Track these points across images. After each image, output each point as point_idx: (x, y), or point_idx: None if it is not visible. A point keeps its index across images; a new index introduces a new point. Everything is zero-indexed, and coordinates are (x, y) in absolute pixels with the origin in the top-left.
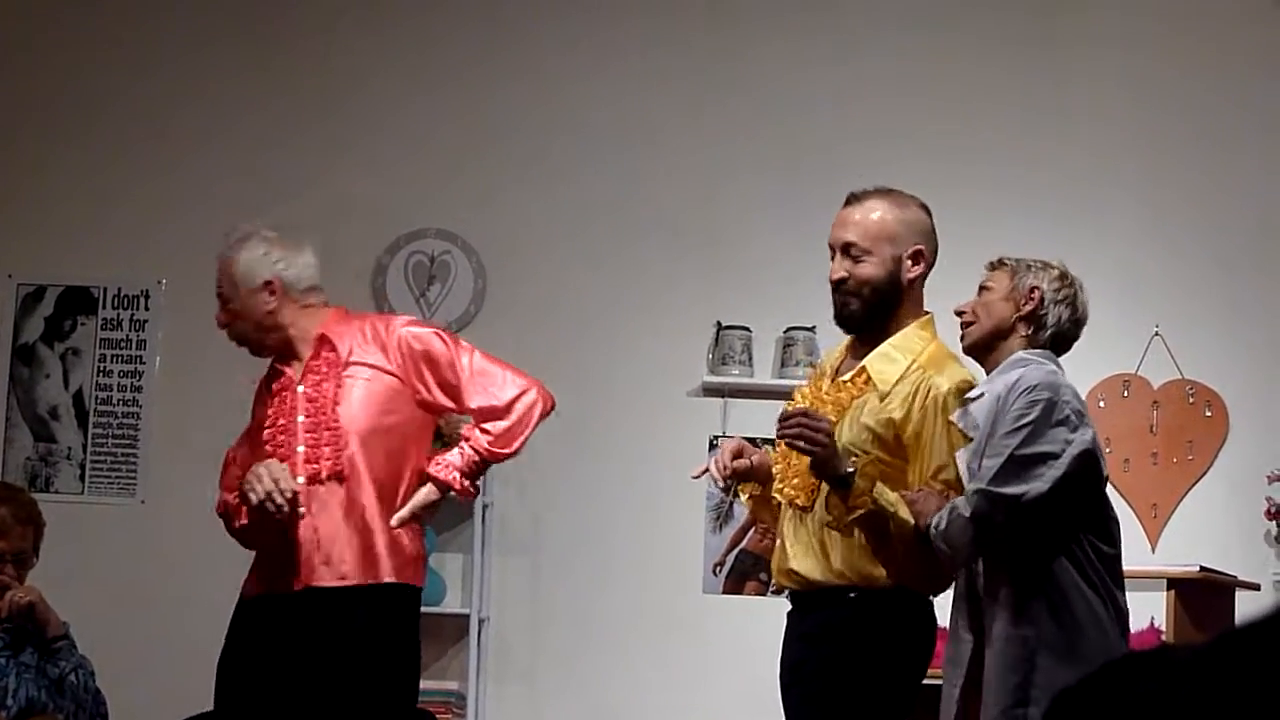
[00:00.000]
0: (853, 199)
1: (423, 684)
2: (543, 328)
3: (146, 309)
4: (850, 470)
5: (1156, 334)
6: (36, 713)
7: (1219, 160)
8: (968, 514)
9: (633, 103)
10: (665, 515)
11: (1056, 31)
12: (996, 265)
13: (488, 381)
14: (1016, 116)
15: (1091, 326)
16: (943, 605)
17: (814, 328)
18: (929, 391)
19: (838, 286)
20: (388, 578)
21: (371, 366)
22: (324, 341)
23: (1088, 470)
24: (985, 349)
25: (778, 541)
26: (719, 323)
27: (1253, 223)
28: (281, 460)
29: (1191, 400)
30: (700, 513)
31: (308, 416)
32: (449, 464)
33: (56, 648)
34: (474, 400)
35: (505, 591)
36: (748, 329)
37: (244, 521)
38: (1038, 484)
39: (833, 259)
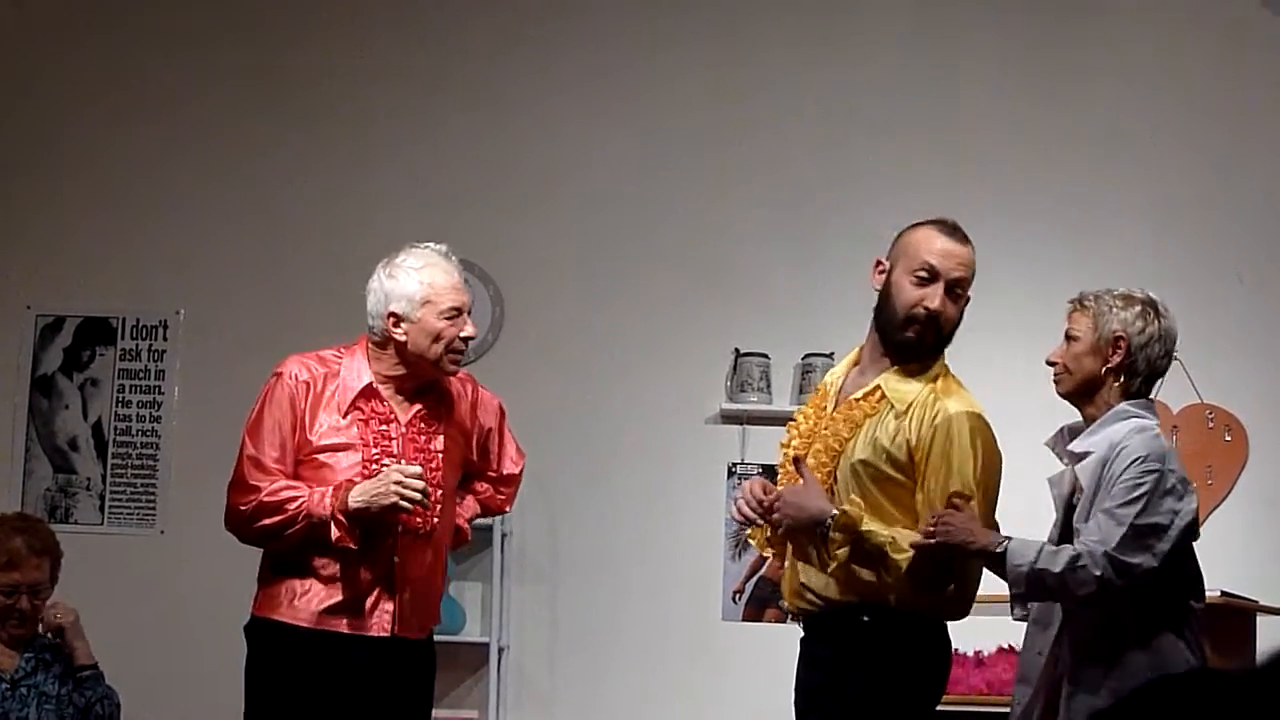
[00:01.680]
0: (957, 232)
1: (443, 713)
2: (561, 356)
3: (165, 339)
4: (826, 525)
5: (1175, 358)
6: None
7: (1235, 182)
8: (1098, 574)
9: (650, 133)
10: (684, 543)
11: (1065, 60)
12: (1078, 306)
13: (511, 450)
14: (1029, 143)
15: None
16: (968, 626)
17: (832, 354)
18: (938, 414)
19: (930, 317)
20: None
21: (460, 427)
22: (442, 394)
23: (1189, 536)
24: (1081, 397)
25: (787, 563)
26: (737, 350)
27: (1271, 245)
28: None
29: (1211, 425)
30: (719, 540)
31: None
32: (462, 515)
33: (84, 677)
34: (506, 468)
35: (524, 620)
36: (766, 356)
37: (347, 543)
38: (1149, 557)
39: (928, 283)
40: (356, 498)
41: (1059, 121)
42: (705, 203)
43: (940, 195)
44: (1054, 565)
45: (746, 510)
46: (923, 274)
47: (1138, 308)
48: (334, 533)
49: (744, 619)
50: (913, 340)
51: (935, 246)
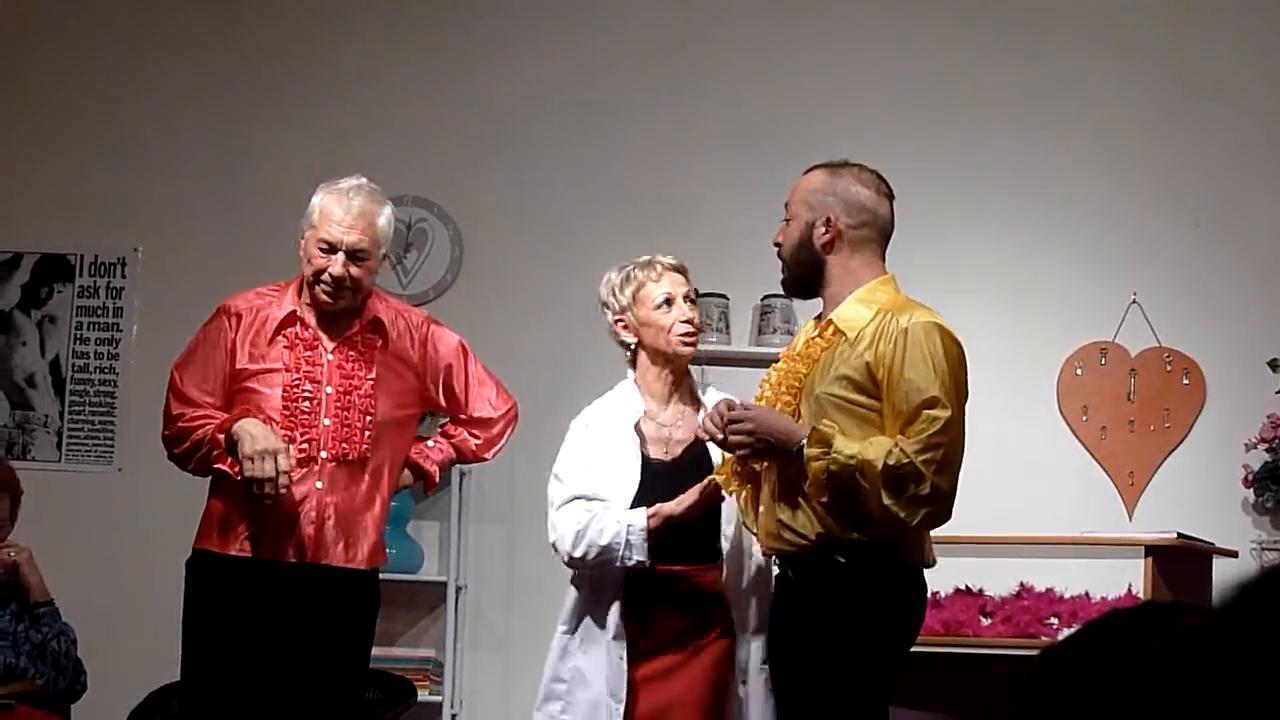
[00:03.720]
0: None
1: (400, 652)
2: (519, 296)
3: (123, 276)
4: (802, 443)
5: (1134, 301)
6: (15, 678)
7: (1196, 128)
8: None
9: (608, 72)
10: None
11: (1020, 7)
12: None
13: (487, 393)
14: (987, 85)
15: (1069, 294)
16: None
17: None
18: (896, 328)
19: (776, 248)
20: (382, 562)
21: (402, 360)
22: (374, 324)
23: None
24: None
25: (761, 507)
26: (696, 290)
27: (1229, 190)
28: (294, 424)
29: (1169, 368)
30: None
31: (338, 392)
32: (429, 456)
33: (40, 613)
34: (476, 410)
35: (482, 559)
36: (725, 296)
37: (222, 466)
38: None
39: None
40: (239, 429)
41: (1014, 69)
42: (664, 143)
43: (898, 137)
44: None
45: (710, 427)
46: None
47: None
48: (212, 452)
49: None
50: (782, 278)
51: None
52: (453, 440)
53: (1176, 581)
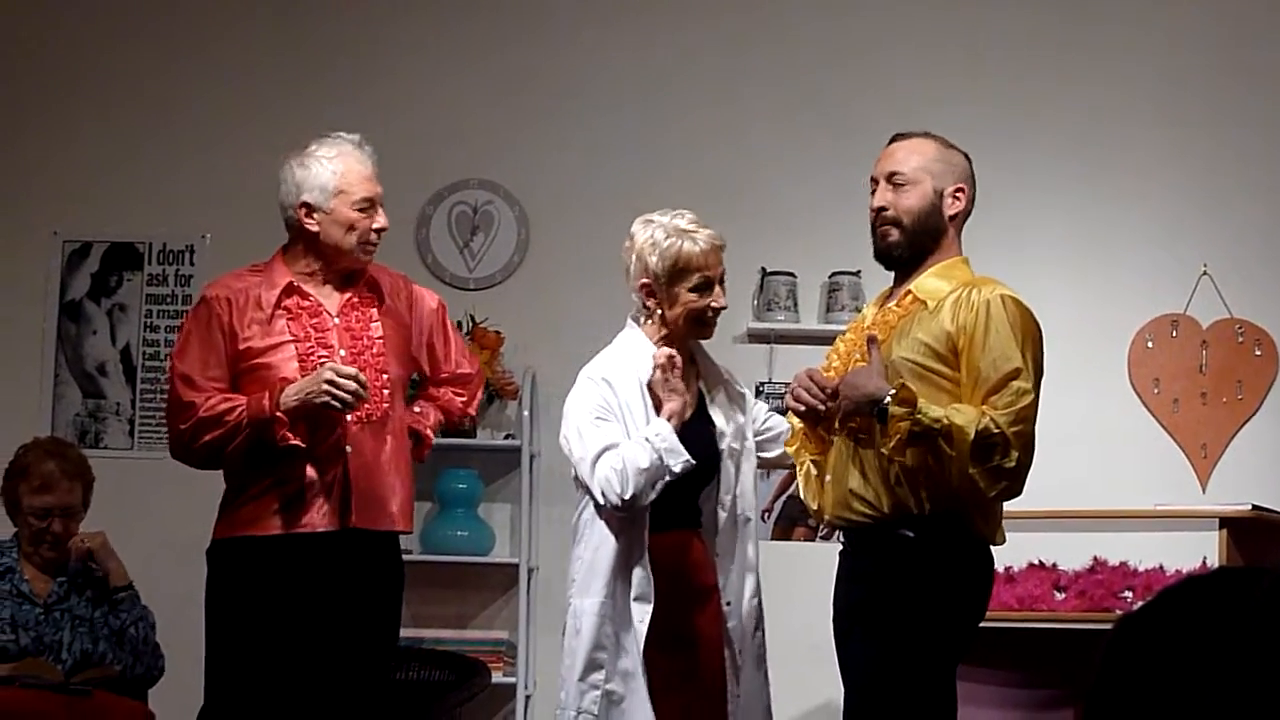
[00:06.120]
0: (899, 137)
1: (473, 634)
2: (586, 276)
3: (192, 264)
4: (887, 400)
5: (1205, 273)
6: (93, 664)
7: (1268, 93)
8: None
9: (674, 49)
10: None
11: None
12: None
13: (462, 352)
14: (1054, 57)
15: (1139, 266)
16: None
17: (859, 272)
18: (976, 300)
19: (879, 215)
20: (410, 528)
21: (397, 319)
22: (371, 284)
23: None
24: None
25: (827, 477)
26: (764, 268)
27: None
28: None
29: (1241, 339)
30: None
31: (351, 354)
32: (421, 420)
33: (119, 599)
34: (459, 366)
35: (553, 541)
36: (793, 274)
37: (294, 441)
38: None
39: (873, 193)
40: (291, 396)
41: (1084, 35)
42: (731, 122)
43: (967, 109)
44: None
45: (810, 399)
46: (872, 184)
47: None
48: (278, 431)
49: (773, 538)
50: (879, 242)
51: (878, 158)
52: (439, 402)
53: (1251, 553)
